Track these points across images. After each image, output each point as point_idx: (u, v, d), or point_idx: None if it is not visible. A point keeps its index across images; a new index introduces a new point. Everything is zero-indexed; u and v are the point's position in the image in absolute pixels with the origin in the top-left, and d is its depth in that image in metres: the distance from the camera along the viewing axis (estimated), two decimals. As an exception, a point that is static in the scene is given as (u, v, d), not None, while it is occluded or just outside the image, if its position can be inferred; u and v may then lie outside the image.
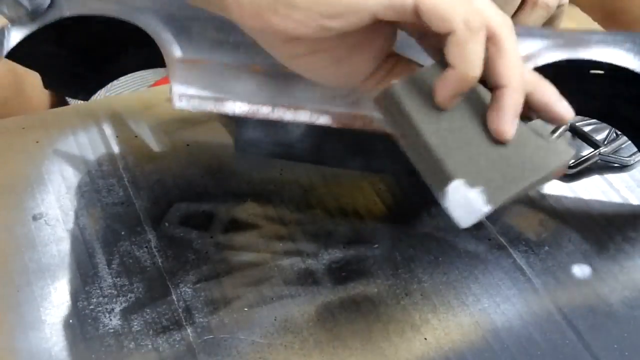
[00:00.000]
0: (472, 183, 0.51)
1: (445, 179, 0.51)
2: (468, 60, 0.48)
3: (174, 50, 0.65)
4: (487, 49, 0.49)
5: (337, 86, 0.55)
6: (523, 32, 0.64)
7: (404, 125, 0.53)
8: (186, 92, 0.64)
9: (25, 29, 0.67)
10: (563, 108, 0.52)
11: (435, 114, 0.52)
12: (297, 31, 0.49)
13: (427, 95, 0.51)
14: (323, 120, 0.62)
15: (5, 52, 0.67)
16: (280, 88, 0.62)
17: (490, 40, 0.49)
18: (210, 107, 0.62)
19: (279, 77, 0.63)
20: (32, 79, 0.77)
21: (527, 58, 0.63)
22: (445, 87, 0.50)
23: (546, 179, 0.54)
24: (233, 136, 0.77)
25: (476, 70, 0.49)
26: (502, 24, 0.49)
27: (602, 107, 0.69)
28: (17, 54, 0.68)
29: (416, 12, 0.47)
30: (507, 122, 0.51)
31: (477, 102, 0.52)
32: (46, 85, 0.76)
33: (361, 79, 0.54)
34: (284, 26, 0.49)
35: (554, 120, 0.53)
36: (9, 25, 0.67)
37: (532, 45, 0.64)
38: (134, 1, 0.66)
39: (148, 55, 0.70)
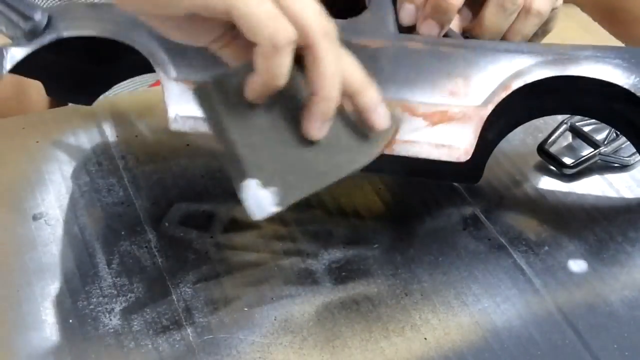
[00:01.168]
0: (265, 183, 0.54)
1: (241, 175, 0.54)
2: (270, 71, 0.51)
3: (169, 70, 0.66)
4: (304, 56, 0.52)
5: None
6: (513, 48, 0.65)
7: (215, 120, 0.55)
8: (181, 113, 0.65)
9: (24, 48, 0.67)
10: (377, 116, 0.56)
11: (246, 111, 0.55)
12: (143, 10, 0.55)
13: (238, 93, 0.54)
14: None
15: (5, 70, 0.67)
16: None
17: (306, 48, 0.52)
18: (206, 128, 0.63)
19: None
20: (32, 79, 0.77)
21: (516, 75, 0.63)
22: (252, 89, 0.53)
23: (357, 169, 0.57)
24: None
25: (279, 80, 0.52)
26: (318, 32, 0.51)
27: (599, 107, 0.69)
28: (18, 67, 0.68)
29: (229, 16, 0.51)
30: (314, 127, 0.54)
31: (296, 101, 0.55)
32: (48, 92, 0.75)
33: (207, 42, 0.56)
34: (139, 6, 0.55)
35: (368, 126, 0.56)
36: (7, 46, 0.67)
37: (521, 62, 0.64)
38: (130, 20, 0.66)
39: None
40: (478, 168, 0.69)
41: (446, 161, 0.64)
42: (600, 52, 0.64)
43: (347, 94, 0.55)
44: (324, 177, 0.56)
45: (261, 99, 0.54)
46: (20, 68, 0.68)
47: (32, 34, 0.66)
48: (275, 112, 0.55)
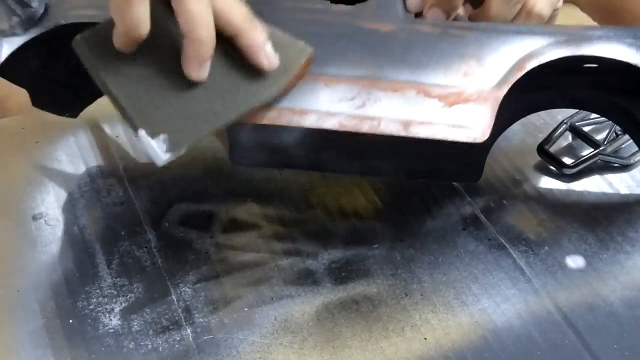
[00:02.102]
0: (154, 132, 0.56)
1: (133, 126, 0.56)
2: (127, 20, 0.54)
3: None
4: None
5: None
6: (526, 30, 0.64)
7: (95, 74, 0.57)
8: None
9: (18, 39, 0.66)
10: (261, 57, 0.59)
11: (125, 62, 0.57)
12: None
13: (111, 45, 0.56)
14: (329, 123, 0.62)
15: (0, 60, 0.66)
16: (286, 92, 0.62)
17: None
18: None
19: None
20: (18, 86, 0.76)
21: (530, 55, 0.63)
22: (116, 40, 0.56)
23: (252, 107, 0.60)
24: (226, 147, 0.77)
25: (140, 29, 0.55)
26: None
27: (596, 99, 0.69)
28: (5, 69, 0.67)
29: None
30: (192, 69, 0.57)
31: (175, 47, 0.57)
32: (34, 102, 0.74)
33: None
34: None
35: (255, 65, 0.59)
36: (1, 38, 0.66)
37: (534, 43, 0.64)
38: None
39: None
40: (477, 166, 0.69)
41: (446, 160, 0.64)
42: (612, 32, 0.64)
43: (229, 35, 0.57)
44: (216, 118, 0.57)
45: (130, 48, 0.56)
46: (7, 71, 0.67)
47: (29, 22, 0.66)
48: (157, 60, 0.57)
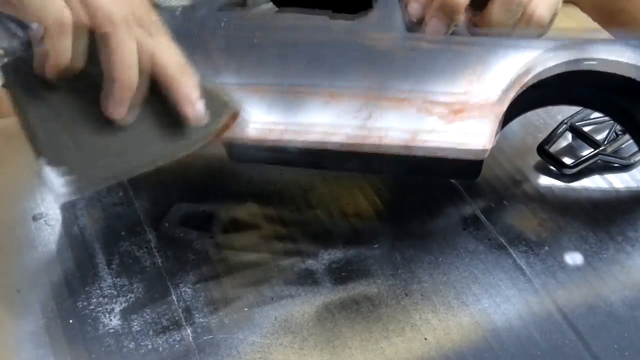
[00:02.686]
0: (55, 167, 0.55)
1: (37, 155, 0.56)
2: (56, 50, 0.54)
3: None
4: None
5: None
6: (525, 44, 0.65)
7: (16, 102, 0.57)
8: None
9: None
10: (189, 110, 0.58)
11: (47, 93, 0.56)
12: None
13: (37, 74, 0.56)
14: (335, 139, 0.63)
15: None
16: (291, 107, 0.62)
17: (97, 33, 0.54)
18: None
19: (288, 96, 0.63)
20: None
21: (529, 70, 0.63)
22: (42, 66, 0.55)
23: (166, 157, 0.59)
24: (226, 146, 0.76)
25: (66, 60, 0.54)
26: (108, 17, 0.54)
27: (594, 97, 0.70)
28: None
29: None
30: (108, 106, 0.56)
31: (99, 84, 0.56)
32: None
33: None
34: None
35: (184, 118, 0.58)
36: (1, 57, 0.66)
37: (535, 57, 0.64)
38: None
39: None
40: (477, 164, 0.69)
41: (445, 159, 0.64)
42: (612, 44, 0.64)
43: (161, 83, 0.56)
44: (130, 165, 0.57)
45: (54, 78, 0.56)
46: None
47: (29, 44, 0.65)
48: (82, 96, 0.56)
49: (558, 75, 0.64)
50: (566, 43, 0.64)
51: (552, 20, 0.70)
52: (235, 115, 0.60)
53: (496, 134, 0.68)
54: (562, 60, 0.63)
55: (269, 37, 0.63)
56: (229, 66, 0.64)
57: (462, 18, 0.66)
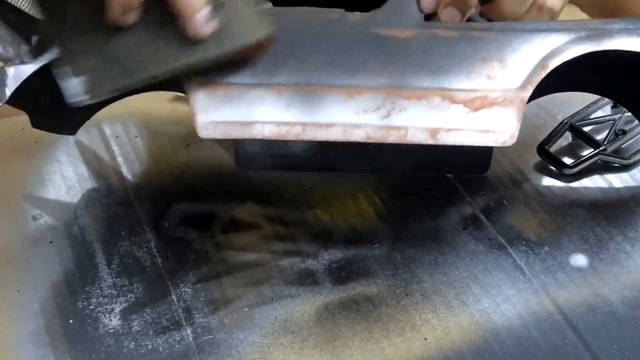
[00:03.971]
0: (77, 72, 0.57)
1: (60, 61, 0.58)
2: None
3: (192, 75, 0.63)
4: None
5: None
6: (545, 27, 0.64)
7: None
8: (211, 119, 0.62)
9: (31, 65, 0.63)
10: (192, 24, 0.56)
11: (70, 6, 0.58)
12: None
13: None
14: (356, 136, 0.62)
15: (8, 93, 0.62)
16: (310, 105, 0.62)
17: None
18: (238, 132, 0.61)
19: (306, 94, 0.62)
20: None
21: (552, 54, 0.62)
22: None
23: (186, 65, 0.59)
24: (231, 151, 0.76)
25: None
26: None
27: (598, 81, 0.69)
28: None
29: None
30: (114, 11, 0.56)
31: None
32: (33, 124, 0.73)
33: None
34: None
35: (181, 29, 0.57)
36: (9, 66, 0.64)
37: (555, 40, 0.63)
38: None
39: None
40: (486, 157, 0.68)
41: (453, 153, 0.63)
42: (632, 24, 0.64)
43: None
44: (143, 69, 0.58)
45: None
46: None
47: (37, 50, 0.64)
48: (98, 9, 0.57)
49: (576, 59, 0.63)
50: (588, 26, 0.64)
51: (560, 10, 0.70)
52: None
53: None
54: (587, 43, 0.63)
55: (283, 33, 0.62)
56: (240, 65, 0.63)
57: (474, 10, 0.66)
